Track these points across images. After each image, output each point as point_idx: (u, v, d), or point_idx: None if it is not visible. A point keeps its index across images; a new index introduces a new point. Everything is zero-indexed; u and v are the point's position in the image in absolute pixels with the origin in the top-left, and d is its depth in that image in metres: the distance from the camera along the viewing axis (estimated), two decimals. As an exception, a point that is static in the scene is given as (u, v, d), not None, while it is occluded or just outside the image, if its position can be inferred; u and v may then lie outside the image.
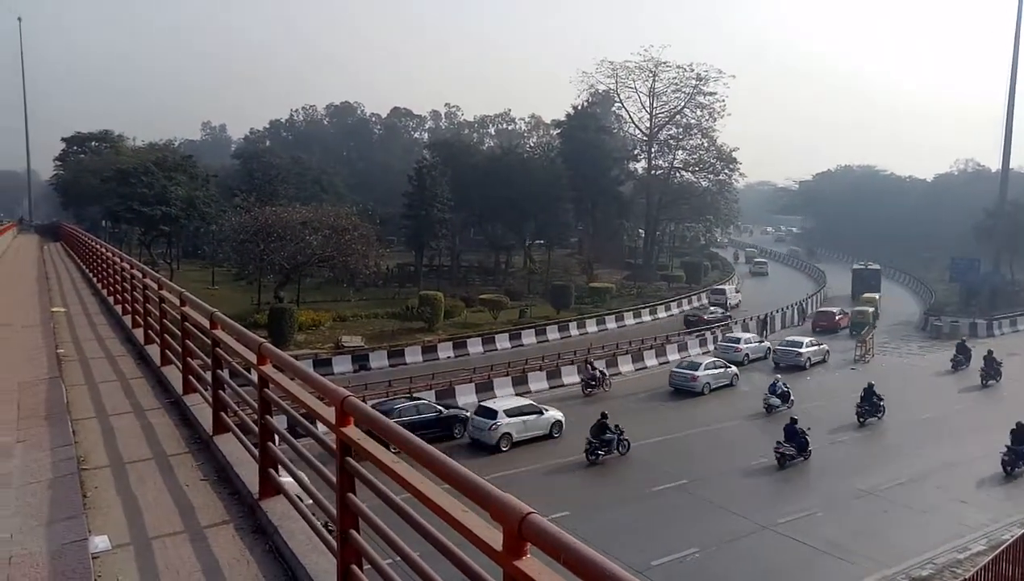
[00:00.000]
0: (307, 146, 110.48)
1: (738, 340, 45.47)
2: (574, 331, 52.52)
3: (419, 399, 29.77)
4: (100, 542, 4.63)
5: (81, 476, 5.63)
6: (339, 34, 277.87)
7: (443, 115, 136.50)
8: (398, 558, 3.45)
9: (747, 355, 43.78)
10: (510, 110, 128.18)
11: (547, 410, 29.51)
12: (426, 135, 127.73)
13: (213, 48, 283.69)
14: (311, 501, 4.72)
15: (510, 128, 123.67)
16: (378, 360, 41.65)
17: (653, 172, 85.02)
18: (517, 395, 33.39)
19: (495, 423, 27.19)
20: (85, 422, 7.46)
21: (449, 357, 43.89)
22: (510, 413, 27.87)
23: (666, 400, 36.45)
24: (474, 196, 72.17)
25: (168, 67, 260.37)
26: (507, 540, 2.49)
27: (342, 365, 39.72)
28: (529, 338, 49.31)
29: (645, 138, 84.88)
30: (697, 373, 36.82)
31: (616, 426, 26.17)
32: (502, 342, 47.77)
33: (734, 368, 39.14)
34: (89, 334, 13.23)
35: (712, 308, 61.03)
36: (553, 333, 51.26)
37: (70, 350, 11.24)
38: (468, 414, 28.88)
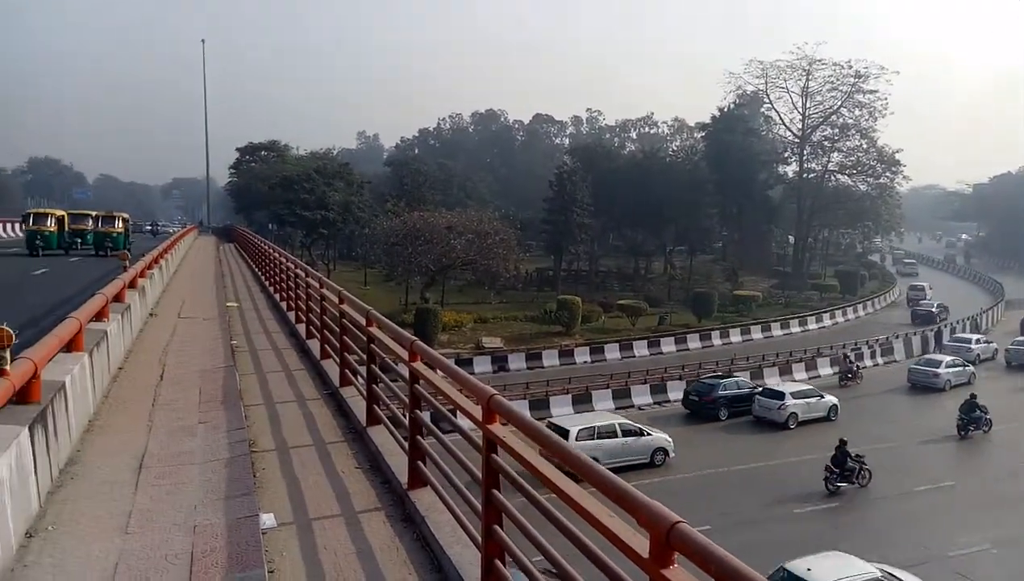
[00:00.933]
0: (453, 153, 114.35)
1: (969, 340, 46.28)
2: (716, 340, 50.68)
3: (737, 377, 35.60)
4: (268, 519, 5.04)
5: (251, 457, 6.15)
6: (485, 44, 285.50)
7: (584, 120, 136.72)
8: (539, 556, 3.52)
9: (978, 355, 44.14)
10: (652, 114, 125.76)
11: (824, 395, 32.57)
12: (567, 140, 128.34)
13: (370, 62, 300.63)
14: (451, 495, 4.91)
15: (652, 132, 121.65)
16: (516, 362, 42.30)
17: (805, 175, 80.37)
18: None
19: (783, 403, 30.79)
20: (255, 408, 8.15)
21: (586, 362, 43.76)
22: (796, 395, 31.55)
23: (912, 394, 37.79)
24: (614, 201, 71.59)
25: (329, 82, 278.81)
26: (654, 547, 2.47)
27: (482, 365, 40.67)
28: (668, 346, 48.14)
29: (796, 140, 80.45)
30: (939, 370, 37.87)
31: (856, 455, 24.13)
32: (640, 349, 46.99)
33: (971, 367, 39.96)
34: (258, 327, 14.42)
35: (925, 302, 62.46)
36: (694, 342, 49.74)
37: (242, 342, 12.31)
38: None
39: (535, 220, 73.10)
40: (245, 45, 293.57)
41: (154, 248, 19.37)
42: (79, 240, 35.60)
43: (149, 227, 73.94)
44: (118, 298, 9.78)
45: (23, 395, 4.91)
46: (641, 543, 2.55)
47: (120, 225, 36.59)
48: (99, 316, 8.18)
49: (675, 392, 35.62)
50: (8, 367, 4.47)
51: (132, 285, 11.28)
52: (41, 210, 37.77)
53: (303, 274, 13.24)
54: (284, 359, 11.29)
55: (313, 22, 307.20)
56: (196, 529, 4.51)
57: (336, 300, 9.33)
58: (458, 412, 4.66)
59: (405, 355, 5.83)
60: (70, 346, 6.51)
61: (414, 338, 5.87)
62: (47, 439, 5.06)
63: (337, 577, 4.38)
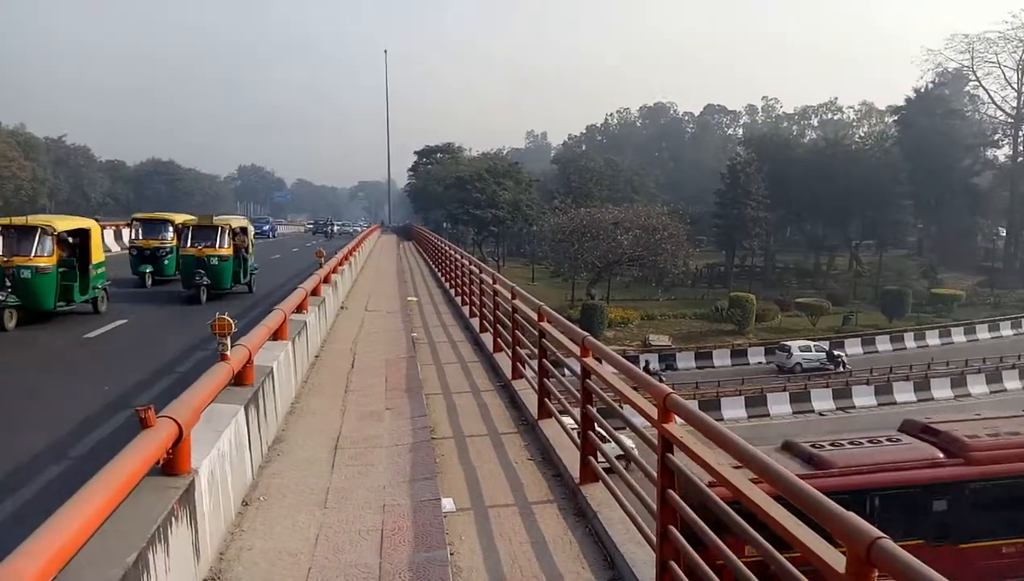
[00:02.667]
0: (620, 148, 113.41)
1: None
2: (910, 343, 46.32)
3: None
4: (447, 503, 5.29)
5: (432, 444, 6.49)
6: (654, 36, 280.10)
7: (759, 109, 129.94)
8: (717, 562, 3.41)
9: None
10: (836, 99, 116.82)
11: None
12: (740, 131, 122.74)
13: (538, 63, 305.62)
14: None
15: (836, 118, 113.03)
16: (685, 361, 41.25)
17: (1020, 159, 71.20)
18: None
19: None
20: (434, 397, 8.58)
21: (760, 362, 41.76)
22: None
23: None
24: (792, 193, 67.63)
25: (497, 84, 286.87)
26: (851, 564, 2.31)
27: (649, 363, 40.14)
28: (854, 347, 44.72)
29: (1010, 120, 71.46)
30: None
31: None
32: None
33: None
34: (436, 321, 15.17)
35: None
36: (883, 344, 45.81)
37: (421, 334, 13.01)
38: None
39: (705, 214, 70.76)
40: (422, 53, 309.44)
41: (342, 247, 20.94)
42: (149, 268, 20.46)
43: (312, 224, 72.88)
44: (315, 292, 10.70)
45: (239, 378, 5.51)
46: (836, 558, 2.39)
47: (229, 242, 18.22)
48: (300, 308, 8.99)
49: (861, 398, 33.07)
50: (229, 352, 5.03)
51: (326, 280, 12.29)
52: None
53: (477, 270, 13.74)
54: (459, 351, 11.79)
55: (484, 29, 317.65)
56: (385, 508, 4.84)
57: (508, 296, 9.58)
58: (631, 409, 4.63)
59: (576, 350, 5.87)
60: (276, 335, 7.22)
61: (586, 334, 5.90)
62: (259, 418, 5.65)
63: (512, 565, 4.51)
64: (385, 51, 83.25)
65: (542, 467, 6.31)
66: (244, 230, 19.36)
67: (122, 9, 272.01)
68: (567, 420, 6.49)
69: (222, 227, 18.05)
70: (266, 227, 57.57)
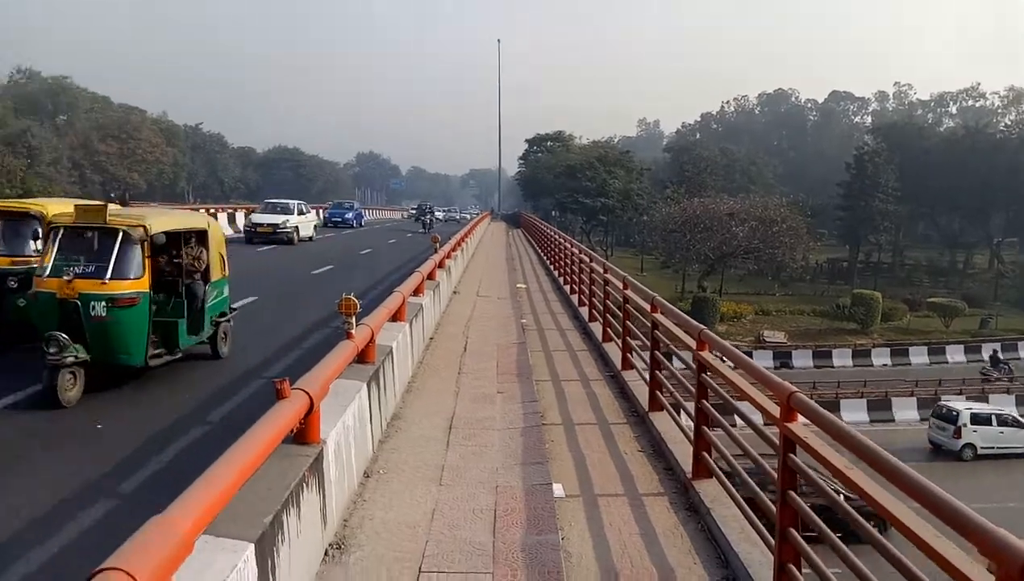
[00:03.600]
0: (736, 137, 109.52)
1: None
2: (1058, 349, 42.42)
3: None
4: (557, 489, 5.34)
5: (542, 429, 6.56)
6: (773, 19, 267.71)
7: (890, 96, 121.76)
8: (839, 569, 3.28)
9: None
10: (979, 84, 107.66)
11: None
12: (868, 119, 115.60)
13: (651, 49, 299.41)
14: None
15: (977, 105, 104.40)
16: (801, 359, 39.54)
17: None
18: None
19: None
20: (542, 383, 8.65)
21: (885, 365, 39.43)
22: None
23: None
24: (926, 185, 63.18)
25: (609, 71, 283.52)
26: (1004, 581, 2.16)
27: (763, 360, 38.57)
28: (989, 353, 41.40)
29: None
30: None
31: None
32: (955, 354, 41.10)
33: None
34: (544, 308, 15.27)
35: None
36: (1030, 350, 42.20)
37: (530, 321, 13.14)
38: None
39: (828, 206, 67.30)
40: (535, 42, 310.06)
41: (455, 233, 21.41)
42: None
43: (415, 209, 59.08)
44: (430, 276, 11.02)
45: (362, 356, 5.77)
46: (982, 576, 2.25)
47: (142, 265, 7.67)
48: (416, 291, 9.29)
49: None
50: (354, 331, 5.28)
51: (440, 265, 12.63)
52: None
53: (587, 259, 13.70)
54: (568, 339, 11.82)
55: (597, 18, 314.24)
56: (498, 489, 4.94)
57: (620, 285, 9.52)
58: (748, 405, 4.50)
59: (692, 343, 5.76)
60: (395, 316, 7.50)
61: (702, 326, 5.77)
62: (379, 395, 5.90)
63: (622, 554, 4.50)
64: (498, 40, 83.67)
65: (652, 459, 6.24)
66: (200, 237, 9.06)
67: (259, 10, 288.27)
68: (679, 414, 6.39)
69: (126, 233, 7.57)
70: (349, 214, 43.90)
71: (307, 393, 3.88)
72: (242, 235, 28.38)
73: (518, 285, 17.89)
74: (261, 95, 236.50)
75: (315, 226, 32.19)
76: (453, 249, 16.17)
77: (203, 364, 9.13)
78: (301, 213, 29.44)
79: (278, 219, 27.45)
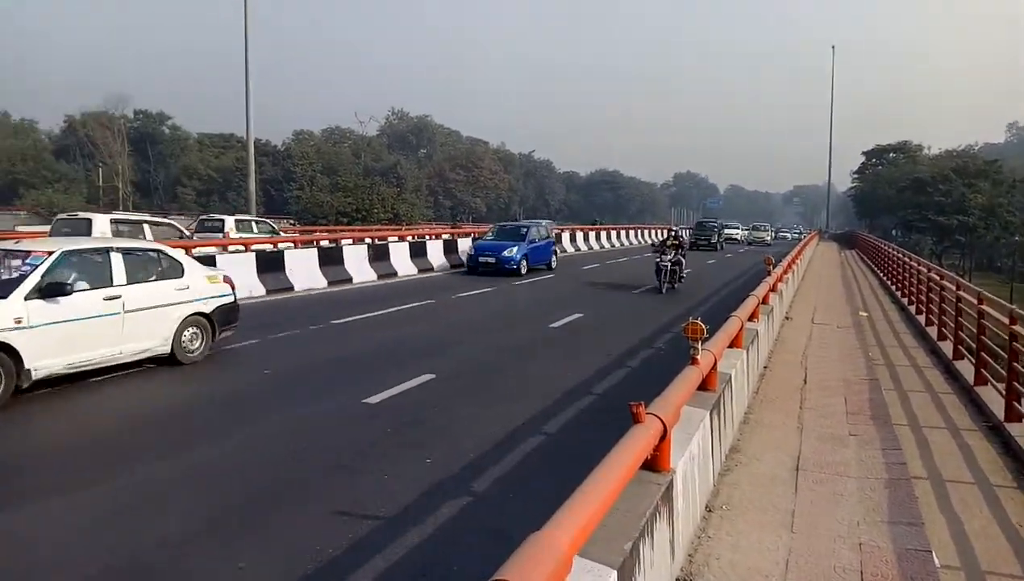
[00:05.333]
0: None
1: None
2: None
3: None
4: (935, 559, 4.55)
5: (911, 483, 5.69)
6: None
7: None
8: None
9: None
10: None
11: None
12: None
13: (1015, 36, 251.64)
14: None
15: None
16: None
17: None
18: None
19: None
20: (900, 428, 7.57)
21: None
22: None
23: None
24: None
25: (971, 67, 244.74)
26: None
27: None
28: None
29: None
30: None
31: None
32: None
33: None
34: (891, 340, 13.50)
35: None
36: None
37: (876, 354, 11.68)
38: None
39: None
40: (870, 48, 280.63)
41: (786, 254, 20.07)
42: None
43: (696, 228, 47.04)
44: (764, 301, 10.40)
45: (704, 383, 5.56)
46: None
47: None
48: (752, 317, 8.81)
49: None
50: (699, 357, 5.10)
51: (773, 289, 11.87)
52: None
53: (953, 287, 11.81)
54: (925, 378, 10.27)
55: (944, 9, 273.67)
56: (862, 547, 4.36)
57: (1005, 319, 7.99)
58: None
59: None
60: (732, 342, 7.15)
61: None
62: (720, 425, 5.64)
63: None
64: (832, 47, 77.23)
65: (1062, 540, 5.04)
66: None
67: (587, 35, 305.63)
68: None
69: None
70: (515, 252, 22.80)
71: (660, 419, 3.80)
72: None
73: (860, 313, 16.11)
74: (586, 121, 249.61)
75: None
76: (785, 271, 15.13)
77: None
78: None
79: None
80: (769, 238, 60.38)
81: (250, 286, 16.25)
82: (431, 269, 23.87)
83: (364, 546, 4.54)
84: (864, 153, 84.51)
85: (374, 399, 7.89)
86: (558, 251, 27.33)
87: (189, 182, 79.90)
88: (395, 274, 21.89)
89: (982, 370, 9.10)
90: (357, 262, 20.70)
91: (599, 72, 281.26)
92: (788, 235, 77.30)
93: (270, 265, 17.71)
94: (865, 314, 16.23)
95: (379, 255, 21.93)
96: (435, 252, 24.99)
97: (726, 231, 51.47)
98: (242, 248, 18.53)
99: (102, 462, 6.06)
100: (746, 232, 60.54)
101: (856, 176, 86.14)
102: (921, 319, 14.79)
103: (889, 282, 23.44)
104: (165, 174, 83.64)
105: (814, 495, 5.20)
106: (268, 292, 16.98)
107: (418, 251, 24.10)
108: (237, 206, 67.05)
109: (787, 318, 14.29)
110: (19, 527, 4.84)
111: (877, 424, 6.96)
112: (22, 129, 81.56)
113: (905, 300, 18.17)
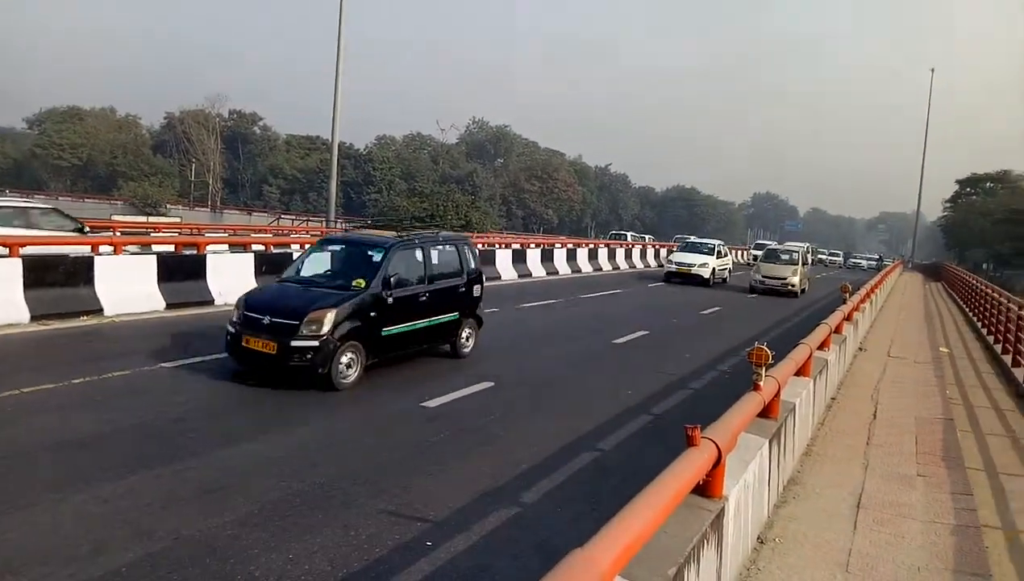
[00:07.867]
0: None
1: None
2: None
3: None
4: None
5: (979, 532, 5.43)
6: None
7: None
8: None
9: None
10: None
11: None
12: None
13: None
14: None
15: None
16: None
17: None
18: None
19: None
20: (972, 472, 7.22)
21: None
22: None
23: None
24: None
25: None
26: None
27: None
28: None
29: None
30: None
31: None
32: None
33: None
34: (973, 380, 12.85)
35: None
36: None
37: (954, 393, 11.15)
38: None
39: None
40: (978, 60, 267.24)
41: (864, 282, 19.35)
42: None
43: (757, 248, 45.33)
44: (837, 330, 10.08)
45: (766, 410, 5.46)
46: None
47: None
48: (822, 345, 8.56)
49: None
50: (762, 383, 5.02)
51: (848, 318, 11.49)
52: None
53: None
54: (1007, 422, 9.73)
55: None
56: (925, 594, 4.20)
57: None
58: None
59: None
60: (800, 371, 6.98)
61: None
62: (779, 455, 5.52)
63: None
64: (932, 70, 73.89)
65: None
66: None
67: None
68: None
69: None
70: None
71: (715, 443, 3.77)
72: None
73: (941, 348, 15.39)
74: (664, 139, 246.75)
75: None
76: (862, 301, 14.61)
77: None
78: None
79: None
80: (863, 264, 59.65)
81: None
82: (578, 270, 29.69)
83: (412, 546, 4.65)
84: (958, 181, 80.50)
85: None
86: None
87: (275, 181, 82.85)
88: (530, 275, 25.51)
89: (1070, 418, 8.60)
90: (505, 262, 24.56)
91: (681, 88, 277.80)
92: (863, 263, 73.89)
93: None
94: (946, 350, 15.49)
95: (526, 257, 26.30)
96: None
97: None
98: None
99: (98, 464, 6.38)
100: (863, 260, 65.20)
101: (948, 205, 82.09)
102: (1008, 359, 14.03)
103: (975, 318, 22.30)
104: (253, 172, 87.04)
105: (874, 535, 5.03)
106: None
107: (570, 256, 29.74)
108: (318, 206, 69.17)
109: (861, 349, 13.79)
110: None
111: (949, 466, 6.66)
112: (126, 124, 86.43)
113: (991, 338, 17.25)
